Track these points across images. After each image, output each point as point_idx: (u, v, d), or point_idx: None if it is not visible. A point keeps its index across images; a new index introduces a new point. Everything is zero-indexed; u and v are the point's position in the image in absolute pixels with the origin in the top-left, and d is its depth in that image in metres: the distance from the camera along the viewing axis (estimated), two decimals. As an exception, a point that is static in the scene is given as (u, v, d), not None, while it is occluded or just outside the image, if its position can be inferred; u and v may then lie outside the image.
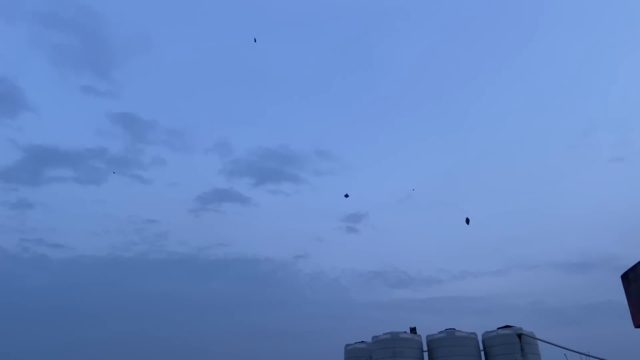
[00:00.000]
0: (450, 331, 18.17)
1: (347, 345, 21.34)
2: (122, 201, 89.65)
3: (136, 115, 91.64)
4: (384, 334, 19.14)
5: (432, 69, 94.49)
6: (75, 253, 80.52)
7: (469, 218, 21.49)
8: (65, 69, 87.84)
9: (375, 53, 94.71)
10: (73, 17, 79.77)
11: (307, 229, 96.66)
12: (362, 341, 21.11)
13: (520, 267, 77.46)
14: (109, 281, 75.35)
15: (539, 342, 17.06)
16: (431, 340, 18.42)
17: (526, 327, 17.71)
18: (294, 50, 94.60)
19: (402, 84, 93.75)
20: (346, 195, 29.66)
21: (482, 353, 17.48)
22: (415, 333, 19.57)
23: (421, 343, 18.64)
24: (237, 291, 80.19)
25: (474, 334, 18.04)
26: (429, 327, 20.24)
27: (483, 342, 17.92)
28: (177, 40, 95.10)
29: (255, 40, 32.04)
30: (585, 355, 15.39)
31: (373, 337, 19.72)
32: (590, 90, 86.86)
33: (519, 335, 16.57)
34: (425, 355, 18.47)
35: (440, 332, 18.40)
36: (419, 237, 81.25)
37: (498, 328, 17.76)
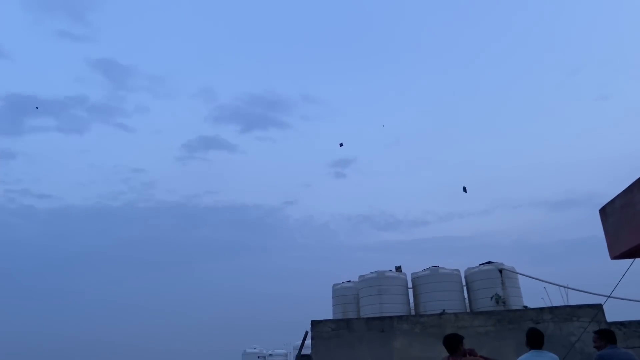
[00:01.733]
0: (434, 268, 18.61)
1: (335, 284, 21.85)
2: (106, 150, 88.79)
3: (115, 61, 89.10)
4: (370, 273, 19.55)
5: (422, 13, 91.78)
6: (63, 203, 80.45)
7: (465, 187, 22.02)
8: (39, 13, 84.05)
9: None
10: (42, -44, 75.40)
11: (296, 174, 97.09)
12: (350, 280, 21.62)
13: (505, 207, 79.16)
14: (97, 230, 75.81)
15: (519, 276, 17.57)
16: (415, 278, 18.88)
17: (509, 264, 18.20)
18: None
19: (390, 24, 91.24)
20: (341, 144, 29.89)
21: (465, 288, 18.04)
22: (401, 271, 20.02)
23: (406, 280, 19.12)
24: (227, 238, 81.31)
25: (457, 270, 18.50)
26: (416, 266, 20.73)
27: (465, 277, 18.40)
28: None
29: (341, 145, 31.05)
30: (564, 287, 15.91)
31: (359, 277, 20.16)
32: (575, 29, 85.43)
33: (500, 270, 17.01)
34: (410, 292, 18.99)
35: (424, 270, 18.84)
36: (407, 181, 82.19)
37: (480, 264, 18.21)
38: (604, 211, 7.79)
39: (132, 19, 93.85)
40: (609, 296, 6.40)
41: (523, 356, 7.42)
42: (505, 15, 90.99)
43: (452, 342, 7.27)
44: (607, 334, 7.30)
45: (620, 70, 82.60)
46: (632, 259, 6.75)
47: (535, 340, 7.26)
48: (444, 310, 15.00)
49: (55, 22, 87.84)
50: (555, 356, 7.30)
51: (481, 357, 7.49)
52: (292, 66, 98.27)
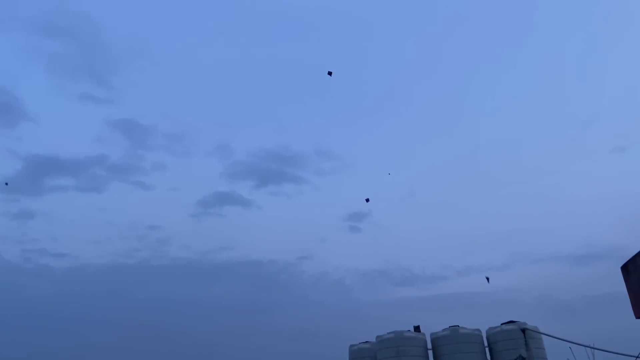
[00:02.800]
0: (455, 328, 18.10)
1: (352, 345, 21.29)
2: (123, 208, 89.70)
3: (135, 121, 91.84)
4: (388, 333, 19.07)
5: (432, 66, 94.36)
6: (78, 262, 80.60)
7: (488, 277, 21.79)
8: (63, 77, 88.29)
9: (372, 51, 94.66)
10: (70, 25, 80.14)
11: (310, 229, 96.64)
12: (367, 341, 21.05)
13: (525, 261, 77.40)
14: (112, 289, 75.40)
15: (543, 336, 16.99)
16: (435, 339, 18.35)
17: (532, 322, 17.63)
18: (291, 50, 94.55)
19: (402, 80, 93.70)
20: (367, 200, 29.89)
21: (487, 349, 17.43)
22: (420, 331, 19.50)
23: (425, 341, 18.58)
24: (241, 294, 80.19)
25: (478, 330, 17.97)
26: (434, 324, 20.24)
27: (487, 338, 17.84)
28: (173, 44, 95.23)
29: (330, 74, 31.03)
30: (590, 347, 15.31)
31: (377, 337, 19.65)
32: (588, 82, 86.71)
33: (523, 330, 16.51)
34: (430, 353, 18.40)
35: (444, 330, 18.33)
36: (423, 234, 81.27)
37: (502, 324, 17.69)
38: (625, 269, 7.67)
39: (153, 81, 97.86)
40: (637, 357, 6.20)
41: None
42: (519, 68, 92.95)
43: None
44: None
45: (634, 121, 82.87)
46: (659, 320, 6.57)
47: None
48: (466, 373, 14.48)
49: (79, 86, 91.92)
50: None
51: None
52: (306, 121, 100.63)
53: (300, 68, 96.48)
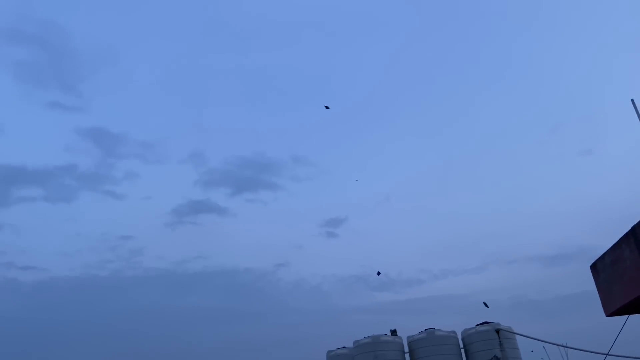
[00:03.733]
0: (430, 331, 18.19)
1: (329, 351, 21.19)
2: (94, 218, 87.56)
3: (106, 129, 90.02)
4: (365, 337, 19.07)
5: (406, 71, 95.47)
6: (47, 274, 78.20)
7: (486, 303, 21.59)
8: (30, 85, 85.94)
9: (346, 57, 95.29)
10: (36, 32, 77.99)
11: (287, 236, 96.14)
12: (344, 347, 20.99)
13: (499, 263, 78.61)
14: (84, 301, 73.38)
15: (517, 336, 17.22)
16: (412, 341, 18.42)
17: (507, 322, 17.87)
18: (264, 57, 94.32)
19: (376, 86, 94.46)
20: (378, 273, 29.78)
21: (462, 350, 17.56)
22: (396, 335, 19.55)
23: (402, 345, 18.62)
24: (217, 304, 79.07)
25: (454, 332, 18.11)
26: (412, 327, 20.33)
27: (463, 339, 17.98)
28: (144, 50, 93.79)
29: (327, 107, 31.15)
30: (563, 346, 15.58)
31: (354, 342, 19.60)
32: (556, 86, 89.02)
33: (497, 331, 16.70)
34: (407, 356, 18.45)
35: (420, 333, 18.42)
36: (399, 239, 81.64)
37: (476, 325, 17.86)
38: (594, 267, 7.79)
39: (122, 88, 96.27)
40: (607, 354, 6.28)
41: None
42: (488, 73, 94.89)
43: None
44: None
45: (600, 124, 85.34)
46: (627, 315, 6.68)
47: None
48: (442, 376, 14.54)
49: (47, 94, 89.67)
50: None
51: None
52: (281, 128, 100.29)
53: (274, 75, 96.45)
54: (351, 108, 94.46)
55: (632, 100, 7.41)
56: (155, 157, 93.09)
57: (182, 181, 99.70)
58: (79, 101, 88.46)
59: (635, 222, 6.33)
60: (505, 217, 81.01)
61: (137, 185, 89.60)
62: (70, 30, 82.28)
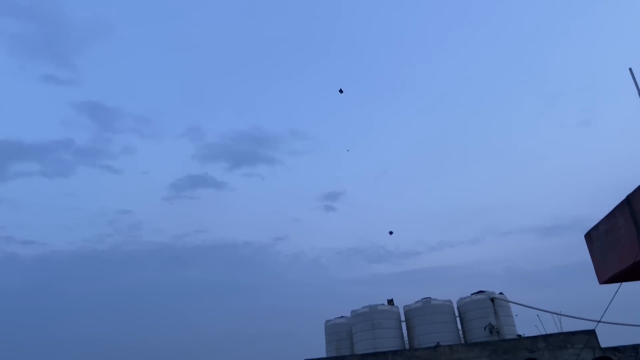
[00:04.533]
0: (426, 300, 18.48)
1: (327, 321, 21.54)
2: (92, 193, 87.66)
3: (101, 103, 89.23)
4: (362, 307, 19.35)
5: (405, 43, 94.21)
6: (47, 249, 78.74)
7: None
8: (24, 59, 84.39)
9: (344, 28, 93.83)
10: (29, 4, 76.43)
11: (285, 210, 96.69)
12: (342, 316, 21.33)
13: (495, 234, 79.35)
14: (83, 275, 74.11)
15: (511, 304, 17.52)
16: (408, 311, 18.72)
17: (502, 291, 18.15)
18: (261, 27, 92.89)
19: (374, 58, 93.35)
20: (390, 233, 29.83)
21: (458, 319, 17.89)
22: (393, 304, 19.85)
23: (399, 314, 18.94)
24: (216, 278, 79.94)
25: (449, 301, 18.41)
26: (408, 298, 20.66)
27: (458, 308, 18.30)
28: (139, 22, 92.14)
29: (341, 91, 31.09)
30: (557, 314, 15.87)
31: (352, 312, 19.91)
32: (555, 57, 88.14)
33: (492, 300, 16.95)
34: (403, 325, 18.78)
35: (416, 302, 18.70)
36: (397, 212, 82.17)
37: (472, 294, 18.14)
38: (589, 237, 7.86)
39: (117, 61, 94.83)
40: (599, 321, 6.40)
41: None
42: (485, 46, 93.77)
43: None
44: (603, 361, 7.29)
45: (599, 95, 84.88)
46: (620, 283, 6.79)
47: None
48: (438, 343, 14.82)
49: (41, 67, 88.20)
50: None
51: None
52: (278, 101, 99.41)
53: (271, 46, 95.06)
54: (350, 81, 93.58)
55: (630, 69, 7.34)
56: (151, 132, 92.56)
57: (179, 155, 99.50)
58: (74, 74, 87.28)
59: (631, 191, 6.37)
60: (502, 189, 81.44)
61: (134, 160, 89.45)
62: (62, 2, 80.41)
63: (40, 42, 79.96)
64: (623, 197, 6.50)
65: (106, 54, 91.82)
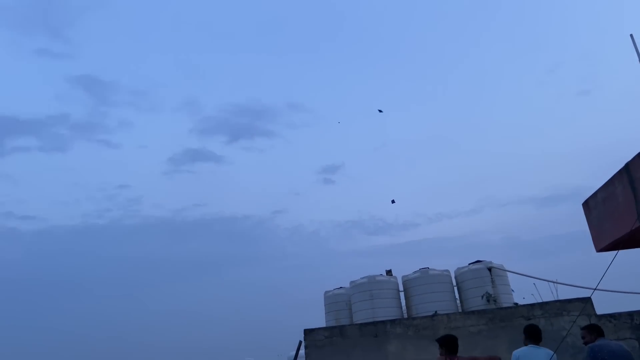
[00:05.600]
0: (424, 270, 18.60)
1: (327, 291, 21.75)
2: (90, 168, 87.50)
3: (96, 77, 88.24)
4: (361, 278, 19.49)
5: (408, 14, 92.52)
6: (47, 224, 79.06)
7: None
8: (16, 32, 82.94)
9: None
10: (16, -25, 74.66)
11: (284, 183, 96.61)
12: (341, 287, 21.53)
13: (493, 205, 79.59)
14: (84, 250, 74.63)
15: (509, 274, 17.64)
16: (406, 280, 18.85)
17: (499, 262, 18.31)
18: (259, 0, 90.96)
19: (373, 29, 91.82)
20: (393, 201, 29.66)
21: (455, 288, 18.08)
22: (391, 275, 20.00)
23: (397, 284, 19.11)
24: (216, 250, 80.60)
25: (447, 271, 18.54)
26: (407, 269, 20.83)
27: (455, 277, 18.44)
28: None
29: (380, 111, 31.36)
30: (553, 282, 16.02)
31: (351, 282, 20.07)
32: (554, 25, 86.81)
33: (489, 269, 17.07)
34: (402, 295, 18.97)
35: (414, 272, 18.82)
36: (395, 184, 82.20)
37: (469, 264, 18.27)
38: (587, 205, 7.85)
39: (112, 34, 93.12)
40: (595, 289, 6.45)
41: (521, 349, 7.55)
42: (483, 16, 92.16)
43: (454, 343, 7.45)
44: (595, 328, 7.37)
45: (599, 64, 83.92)
46: (616, 251, 6.81)
47: (535, 336, 7.56)
48: (436, 312, 15.01)
49: (34, 41, 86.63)
50: (550, 351, 7.40)
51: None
52: (276, 74, 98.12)
53: (267, 18, 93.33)
54: (348, 54, 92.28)
55: (631, 35, 7.17)
56: (148, 105, 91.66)
57: (177, 129, 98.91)
58: (68, 47, 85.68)
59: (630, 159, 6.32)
60: (501, 159, 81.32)
61: (131, 134, 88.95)
62: (51, -28, 78.45)
63: (31, 13, 78.48)
64: (622, 165, 6.45)
65: (100, 25, 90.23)
